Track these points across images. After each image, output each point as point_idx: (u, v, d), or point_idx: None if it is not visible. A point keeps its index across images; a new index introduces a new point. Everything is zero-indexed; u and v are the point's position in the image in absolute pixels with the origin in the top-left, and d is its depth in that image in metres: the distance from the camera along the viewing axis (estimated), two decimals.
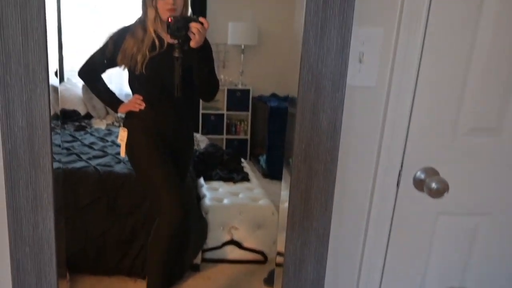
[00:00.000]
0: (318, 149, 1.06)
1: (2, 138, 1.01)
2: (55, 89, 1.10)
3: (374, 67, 1.07)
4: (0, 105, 0.99)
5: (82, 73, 1.91)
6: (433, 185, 1.04)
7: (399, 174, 1.11)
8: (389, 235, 1.16)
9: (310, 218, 1.11)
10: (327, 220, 1.11)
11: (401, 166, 1.11)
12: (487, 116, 1.11)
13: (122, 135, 1.91)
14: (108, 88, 1.92)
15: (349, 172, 1.13)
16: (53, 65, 1.03)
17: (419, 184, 1.10)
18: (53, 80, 1.05)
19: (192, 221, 2.29)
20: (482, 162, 1.14)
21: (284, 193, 1.13)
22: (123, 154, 1.95)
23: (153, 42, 1.73)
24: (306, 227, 1.12)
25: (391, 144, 1.09)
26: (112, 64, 1.81)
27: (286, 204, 1.12)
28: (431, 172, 1.09)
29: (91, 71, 1.88)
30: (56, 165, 1.08)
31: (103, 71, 1.87)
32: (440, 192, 1.04)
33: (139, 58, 1.72)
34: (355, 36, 1.02)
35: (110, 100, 1.94)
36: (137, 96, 1.81)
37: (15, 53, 0.97)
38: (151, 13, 1.72)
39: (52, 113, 1.03)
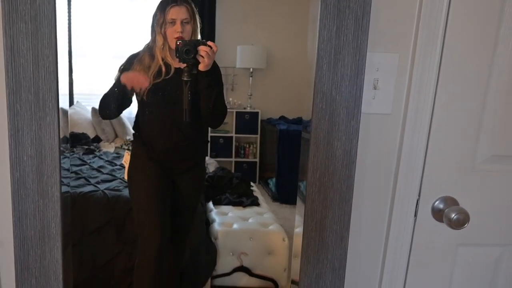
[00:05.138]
0: (333, 178, 1.02)
1: (11, 167, 0.99)
2: (65, 113, 1.09)
3: (389, 94, 1.05)
4: (9, 133, 0.98)
5: (100, 112, 1.87)
6: (453, 215, 1.00)
7: (417, 204, 1.08)
8: (407, 266, 1.11)
9: (325, 250, 1.07)
10: (343, 251, 1.07)
11: (419, 195, 1.07)
12: (507, 143, 1.07)
13: (126, 158, 1.93)
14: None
15: (365, 201, 1.09)
16: (63, 91, 1.02)
17: (437, 214, 1.06)
18: (64, 104, 1.03)
19: (201, 247, 2.25)
20: (503, 190, 1.10)
21: (297, 219, 1.10)
22: (126, 176, 1.94)
23: (160, 69, 1.72)
24: (321, 259, 1.08)
25: (408, 173, 1.06)
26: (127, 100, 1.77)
27: (299, 230, 1.08)
28: (450, 202, 1.05)
29: (105, 110, 1.83)
30: (64, 189, 1.06)
31: (119, 109, 1.80)
32: (460, 223, 1.00)
33: None
34: (370, 62, 1.01)
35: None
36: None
37: (25, 81, 0.96)
38: (159, 40, 1.72)
39: (62, 137, 1.02)
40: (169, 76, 1.72)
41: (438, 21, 1.01)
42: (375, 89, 1.04)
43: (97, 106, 3.71)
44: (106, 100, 1.79)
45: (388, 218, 1.10)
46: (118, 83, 1.77)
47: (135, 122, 1.87)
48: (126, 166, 1.85)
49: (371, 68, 1.02)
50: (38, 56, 0.95)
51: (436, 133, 1.04)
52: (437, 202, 1.07)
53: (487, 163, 1.07)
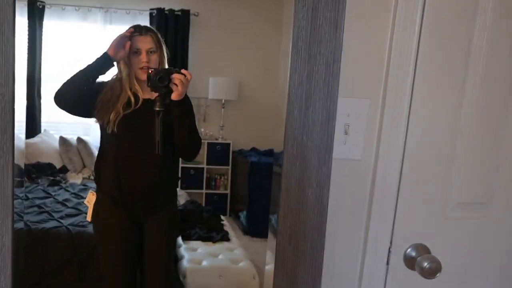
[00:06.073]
0: (304, 227, 0.99)
1: None
2: (23, 143, 1.04)
3: (360, 139, 1.03)
4: None
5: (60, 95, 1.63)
6: (425, 264, 0.98)
7: (389, 251, 1.06)
8: None
9: None
10: None
11: (391, 242, 1.05)
12: (476, 190, 1.07)
13: (90, 198, 1.74)
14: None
15: (337, 250, 1.06)
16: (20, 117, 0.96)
17: (410, 262, 1.04)
18: (20, 133, 0.97)
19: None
20: (473, 238, 1.09)
21: (269, 255, 1.06)
22: (89, 218, 1.76)
23: (129, 100, 1.63)
24: None
25: (380, 219, 1.04)
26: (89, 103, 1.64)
27: (269, 267, 1.04)
28: (422, 249, 1.03)
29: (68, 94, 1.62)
30: (20, 225, 0.99)
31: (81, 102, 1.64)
32: (433, 272, 0.98)
33: (112, 116, 1.60)
34: (341, 108, 0.99)
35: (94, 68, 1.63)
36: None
37: None
38: (124, 71, 1.65)
39: (22, 167, 0.96)
40: (138, 107, 1.64)
41: (407, 67, 1.01)
42: (346, 134, 1.03)
43: (65, 135, 3.57)
44: (74, 80, 1.61)
45: (361, 266, 1.07)
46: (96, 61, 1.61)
47: (96, 161, 1.76)
48: (90, 206, 1.72)
49: (342, 113, 1.01)
50: None
51: (406, 179, 1.03)
52: (409, 250, 1.05)
53: (456, 210, 1.07)
